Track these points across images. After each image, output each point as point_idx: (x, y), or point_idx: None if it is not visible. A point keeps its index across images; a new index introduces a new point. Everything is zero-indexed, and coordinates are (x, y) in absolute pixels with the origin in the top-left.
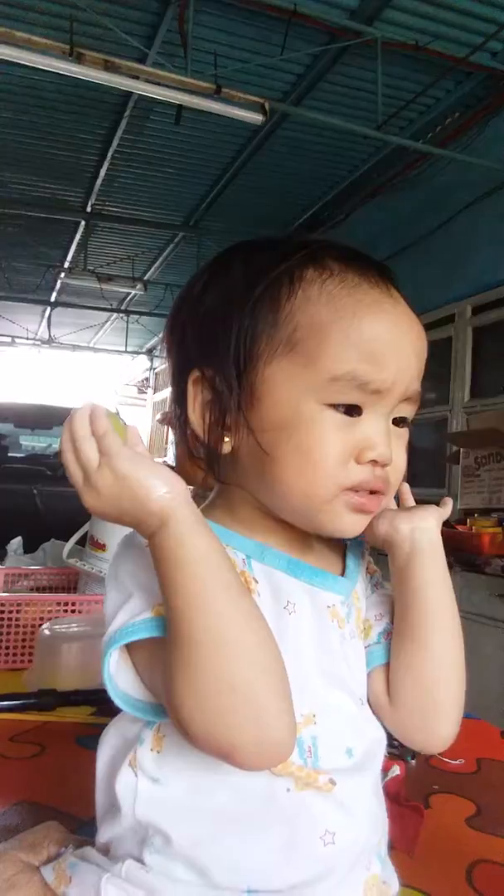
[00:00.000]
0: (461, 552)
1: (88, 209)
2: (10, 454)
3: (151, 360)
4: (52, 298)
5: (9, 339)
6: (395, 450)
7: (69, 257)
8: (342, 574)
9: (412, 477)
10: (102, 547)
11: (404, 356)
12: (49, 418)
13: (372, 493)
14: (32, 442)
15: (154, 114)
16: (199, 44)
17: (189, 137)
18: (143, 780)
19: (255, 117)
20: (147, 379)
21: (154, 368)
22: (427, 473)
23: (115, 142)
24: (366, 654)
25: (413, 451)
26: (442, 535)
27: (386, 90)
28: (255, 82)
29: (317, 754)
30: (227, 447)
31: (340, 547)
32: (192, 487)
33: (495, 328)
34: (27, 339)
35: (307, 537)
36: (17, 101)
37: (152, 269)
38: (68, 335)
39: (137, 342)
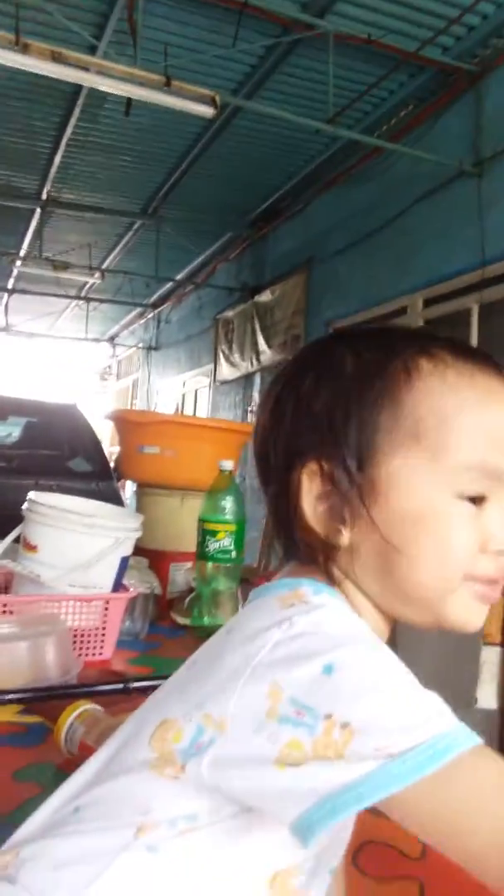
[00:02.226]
0: None
1: (44, 196)
2: None
3: (113, 348)
4: (9, 286)
5: None
6: None
7: (25, 245)
8: None
9: None
10: (34, 549)
11: None
12: (6, 408)
13: (493, 583)
14: None
15: (108, 102)
16: (150, 34)
17: (144, 126)
18: (138, 846)
19: (206, 110)
20: (109, 367)
21: (116, 356)
22: None
23: (70, 129)
24: None
25: None
26: None
27: (339, 83)
28: (207, 73)
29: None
30: (344, 540)
31: None
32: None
33: (445, 321)
34: None
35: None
36: None
37: (111, 257)
38: (26, 322)
39: (98, 330)
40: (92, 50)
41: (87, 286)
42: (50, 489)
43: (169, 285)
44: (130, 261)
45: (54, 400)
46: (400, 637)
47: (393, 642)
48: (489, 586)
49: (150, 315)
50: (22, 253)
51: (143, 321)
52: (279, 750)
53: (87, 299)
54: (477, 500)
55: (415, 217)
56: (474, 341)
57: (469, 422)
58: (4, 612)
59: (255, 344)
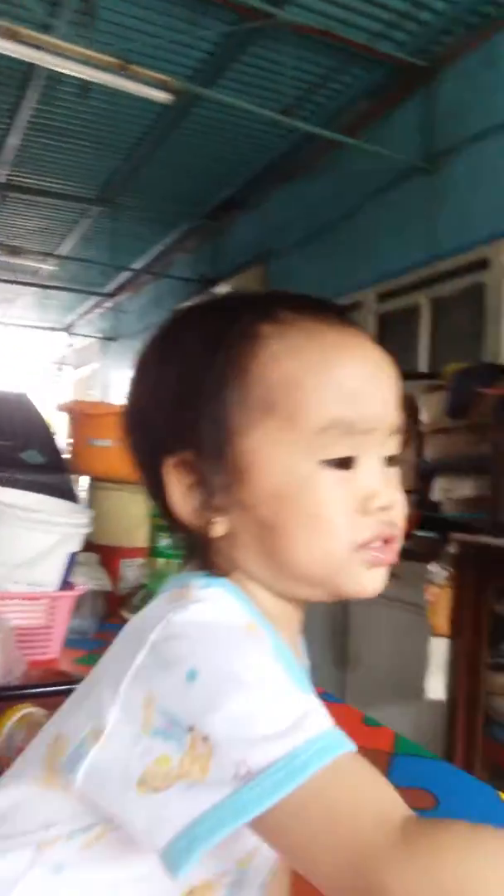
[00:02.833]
0: None
1: None
2: None
3: (70, 337)
4: None
5: None
6: (394, 490)
7: None
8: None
9: None
10: None
11: (382, 389)
12: None
13: (385, 542)
14: None
15: (64, 84)
16: (107, 15)
17: (102, 110)
18: (41, 867)
19: (162, 96)
20: (65, 357)
21: (72, 346)
22: None
23: (24, 111)
24: None
25: None
26: None
27: (295, 74)
28: (166, 58)
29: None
30: (219, 529)
31: None
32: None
33: (397, 316)
34: None
35: (298, 620)
36: None
37: (65, 244)
38: None
39: (54, 318)
40: (47, 29)
41: (42, 273)
42: (2, 482)
43: (126, 275)
44: (87, 248)
45: (4, 388)
46: (351, 628)
47: (344, 633)
48: (380, 549)
49: (108, 304)
50: None
51: (100, 311)
52: (145, 768)
53: (43, 286)
54: (346, 463)
55: (369, 212)
56: (426, 336)
57: (316, 381)
58: None
59: None
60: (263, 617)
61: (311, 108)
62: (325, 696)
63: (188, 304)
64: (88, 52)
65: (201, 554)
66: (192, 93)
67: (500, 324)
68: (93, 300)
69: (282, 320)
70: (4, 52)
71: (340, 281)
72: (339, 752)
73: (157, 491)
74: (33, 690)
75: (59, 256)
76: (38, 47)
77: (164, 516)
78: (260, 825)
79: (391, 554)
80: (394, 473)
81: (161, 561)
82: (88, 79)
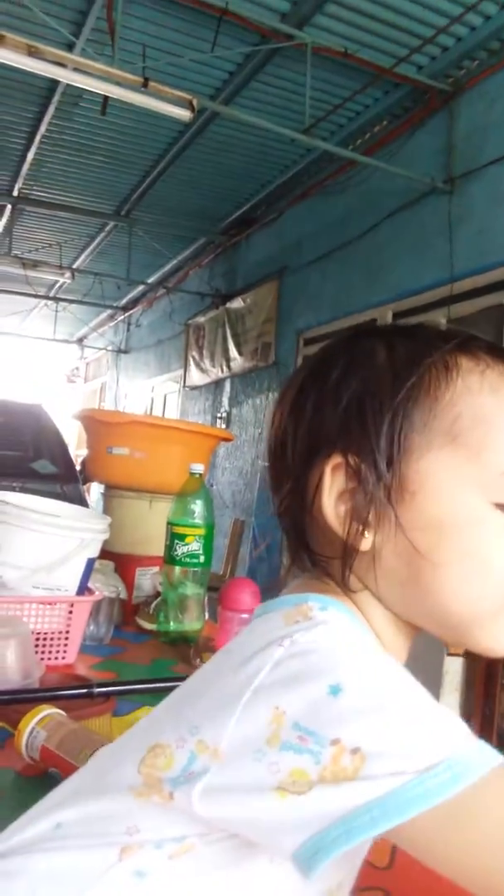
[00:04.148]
0: None
1: (15, 193)
2: None
3: (82, 350)
4: None
5: None
6: None
7: None
8: None
9: None
10: None
11: None
12: None
13: None
14: None
15: (83, 100)
16: (128, 34)
17: (120, 126)
18: (123, 870)
19: (183, 113)
20: (77, 369)
21: (84, 358)
22: None
23: (44, 126)
24: None
25: None
26: None
27: (315, 94)
28: (186, 77)
29: None
30: (366, 543)
31: None
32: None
33: None
34: None
35: (405, 653)
36: None
37: (81, 258)
38: None
39: (67, 331)
40: (69, 47)
41: (57, 286)
42: (13, 490)
43: (140, 288)
44: (101, 262)
45: (19, 399)
46: None
47: None
48: None
49: (121, 318)
50: None
51: (113, 324)
52: (280, 780)
53: (57, 299)
54: None
55: (387, 231)
56: None
57: None
58: None
59: (225, 350)
60: (380, 645)
61: (331, 127)
62: None
63: (369, 325)
64: (110, 69)
65: (335, 566)
66: (212, 110)
67: None
68: (106, 313)
69: (480, 358)
70: (26, 69)
71: (355, 298)
72: (499, 761)
73: (299, 491)
74: (53, 693)
75: (74, 270)
76: (60, 64)
77: (296, 524)
78: (414, 830)
79: None
80: None
81: (177, 570)
82: (110, 95)
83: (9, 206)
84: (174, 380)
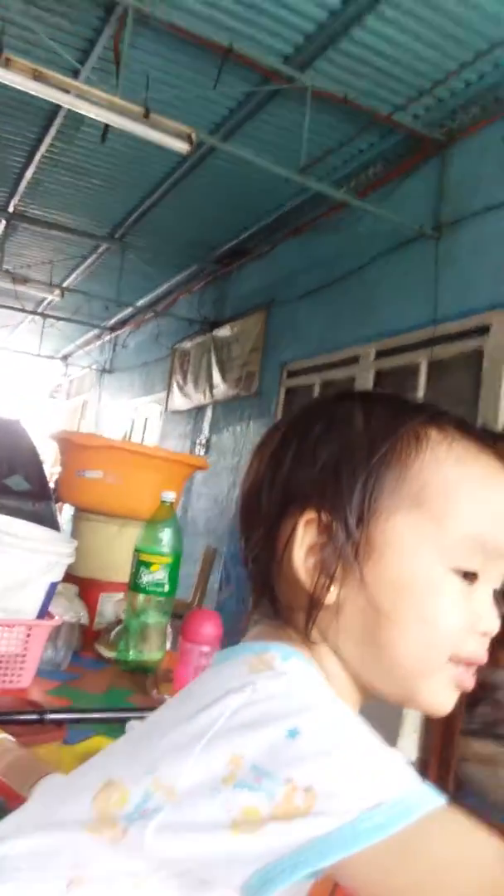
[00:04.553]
0: None
1: (10, 209)
2: None
3: (66, 367)
4: None
5: None
6: (496, 620)
7: None
8: None
9: None
10: None
11: None
12: None
13: (470, 667)
14: None
15: (85, 125)
16: (133, 65)
17: (120, 152)
18: None
19: (182, 146)
20: (60, 385)
21: (68, 375)
22: None
23: (44, 146)
24: None
25: None
26: None
27: (313, 136)
28: (187, 110)
29: None
30: (330, 597)
31: None
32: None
33: (395, 373)
34: None
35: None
36: None
37: (72, 276)
38: None
39: (52, 347)
40: (75, 73)
41: (46, 303)
42: None
43: (129, 310)
44: (92, 282)
45: None
46: None
47: None
48: (467, 671)
49: (107, 338)
50: None
51: (99, 343)
52: (233, 817)
53: (45, 315)
54: (469, 577)
55: (374, 271)
56: (422, 396)
57: (472, 495)
58: None
59: (209, 377)
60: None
61: (325, 168)
62: None
63: (351, 390)
64: (112, 98)
65: (299, 617)
66: (210, 144)
67: (496, 389)
68: (92, 332)
69: (448, 432)
70: (31, 92)
71: (340, 334)
72: (441, 802)
73: (269, 542)
74: (3, 717)
75: (64, 288)
76: (64, 90)
77: (263, 572)
78: (356, 865)
79: (471, 681)
80: (497, 604)
81: (141, 597)
82: (111, 124)
83: (3, 222)
84: (157, 402)
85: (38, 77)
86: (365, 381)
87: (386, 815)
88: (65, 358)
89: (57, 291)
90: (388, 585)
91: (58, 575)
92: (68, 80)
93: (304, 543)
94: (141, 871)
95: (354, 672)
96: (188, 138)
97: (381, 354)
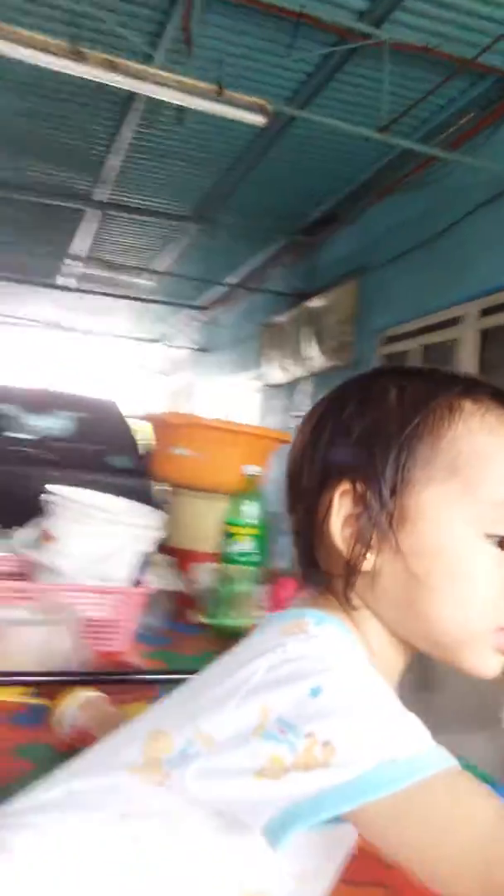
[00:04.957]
0: None
1: (100, 198)
2: (14, 435)
3: (165, 348)
4: (68, 284)
5: (25, 323)
6: None
7: (81, 245)
8: None
9: None
10: (52, 539)
11: None
12: (50, 401)
13: None
14: (39, 423)
15: (164, 108)
16: (205, 42)
17: (199, 131)
18: (122, 832)
19: (257, 119)
20: (160, 367)
21: (167, 357)
22: None
23: (125, 133)
24: None
25: None
26: None
27: (397, 91)
28: (262, 81)
29: None
30: (367, 564)
31: None
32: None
33: (502, 332)
34: (39, 322)
35: (401, 670)
36: (26, 90)
37: (163, 259)
38: (80, 320)
39: (151, 330)
40: (148, 57)
41: (140, 287)
42: (89, 484)
43: (221, 289)
44: (183, 264)
45: (94, 396)
46: (426, 659)
47: (421, 664)
48: None
49: (203, 318)
50: (79, 253)
51: (195, 323)
52: (260, 764)
53: (140, 300)
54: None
55: (470, 226)
56: None
57: None
58: (23, 598)
59: (304, 350)
60: (369, 659)
61: (414, 122)
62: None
63: (387, 366)
64: (185, 79)
65: (338, 583)
66: (286, 114)
67: None
68: (188, 313)
69: (482, 402)
70: (106, 82)
71: (436, 296)
72: (452, 763)
73: (310, 513)
74: (94, 677)
75: (155, 272)
76: (137, 76)
77: (305, 543)
78: (370, 814)
79: None
80: None
81: (231, 567)
82: (184, 104)
83: (95, 212)
84: (254, 378)
85: (111, 67)
86: (468, 342)
87: (399, 770)
88: (163, 339)
89: (150, 276)
90: (423, 553)
91: (147, 545)
92: (140, 66)
93: (340, 513)
94: (182, 809)
95: (396, 633)
96: (263, 110)
97: (486, 312)
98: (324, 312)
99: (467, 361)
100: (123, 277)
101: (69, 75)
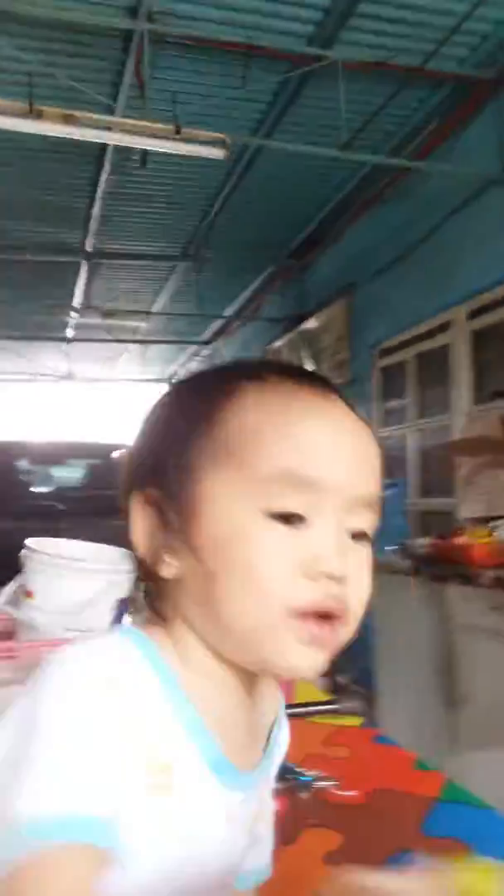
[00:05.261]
0: (454, 564)
1: (89, 248)
2: (34, 490)
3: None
4: (67, 335)
5: (30, 377)
6: (354, 568)
7: (76, 296)
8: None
9: (426, 487)
10: (31, 595)
11: (346, 457)
12: (61, 453)
13: (325, 619)
14: (60, 473)
15: (133, 154)
16: (162, 85)
17: (172, 172)
18: None
19: (218, 153)
20: None
21: None
22: (437, 483)
23: (102, 184)
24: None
25: (423, 460)
26: (436, 547)
27: (355, 108)
28: (223, 116)
29: None
30: (169, 570)
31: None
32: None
33: (493, 331)
34: (46, 375)
35: (251, 695)
36: (3, 154)
37: (159, 300)
38: (88, 368)
39: (156, 370)
40: (108, 108)
41: (141, 329)
42: (108, 529)
43: (219, 322)
44: (178, 302)
45: (108, 442)
46: (459, 665)
47: (450, 671)
48: (317, 625)
49: (206, 352)
50: (74, 304)
51: (199, 358)
52: None
53: (141, 342)
54: (293, 519)
55: (450, 231)
56: None
57: (276, 432)
58: (6, 657)
59: None
60: (175, 679)
61: (379, 136)
62: (379, 739)
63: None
64: (141, 123)
65: (151, 596)
66: (251, 145)
67: None
68: (191, 349)
69: (263, 379)
70: (64, 136)
71: (427, 303)
72: (66, 838)
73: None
74: None
75: (152, 314)
76: (95, 126)
77: (133, 557)
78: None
79: (332, 636)
80: (361, 551)
81: None
82: (144, 147)
83: (84, 262)
84: None
85: (69, 121)
86: (460, 346)
87: (19, 835)
88: (169, 378)
89: (145, 317)
90: (212, 546)
91: (124, 591)
92: (96, 116)
93: (143, 524)
94: None
95: (209, 643)
96: (223, 144)
97: (474, 314)
98: (319, 333)
99: (461, 365)
100: (125, 322)
101: (43, 136)
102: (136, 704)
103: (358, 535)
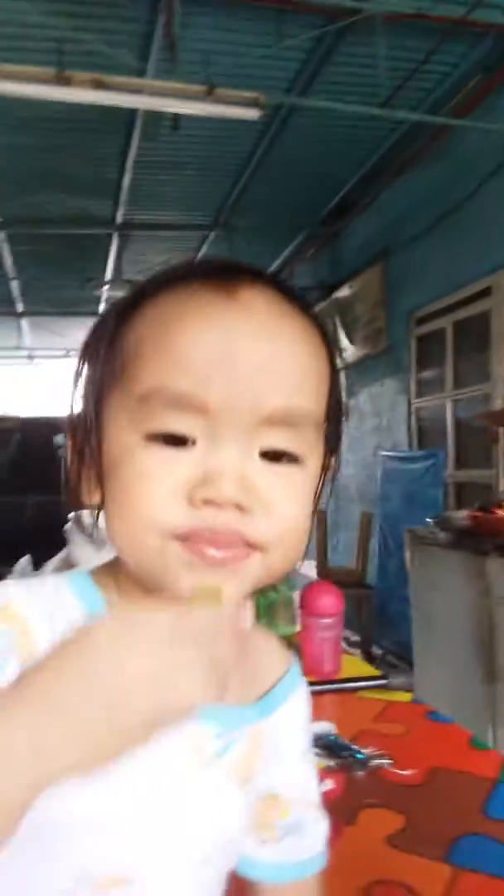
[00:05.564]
0: (495, 536)
1: (119, 220)
2: None
3: None
4: (99, 310)
5: (64, 353)
6: (271, 490)
7: (108, 269)
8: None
9: (463, 458)
10: (76, 567)
11: (243, 367)
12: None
13: (226, 544)
14: None
15: (164, 119)
16: (193, 45)
17: (202, 137)
18: None
19: (251, 113)
20: None
21: None
22: (476, 454)
23: (133, 151)
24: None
25: (461, 431)
26: (476, 519)
27: (395, 64)
28: (257, 75)
29: None
30: (92, 498)
31: (279, 665)
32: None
33: None
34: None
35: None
36: (33, 126)
37: None
38: None
39: None
40: (140, 71)
41: None
42: None
43: None
44: None
45: None
46: (499, 639)
47: (491, 644)
48: (202, 547)
49: None
50: (106, 278)
51: None
52: None
53: None
54: (178, 441)
55: (491, 192)
56: None
57: (154, 347)
58: None
59: (337, 342)
60: (102, 606)
61: (419, 94)
62: (432, 716)
63: None
64: (172, 84)
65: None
66: (285, 105)
67: None
68: None
69: (176, 283)
70: (94, 102)
71: (466, 268)
72: None
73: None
74: None
75: None
76: (125, 90)
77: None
78: None
79: (237, 562)
80: (284, 473)
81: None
82: (174, 110)
83: (115, 234)
84: None
85: (98, 85)
86: (502, 312)
87: None
88: None
89: None
90: (108, 470)
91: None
92: (125, 80)
93: (69, 453)
94: None
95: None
96: (257, 103)
97: None
98: (353, 301)
99: (502, 332)
100: None
101: (71, 104)
102: (22, 628)
103: (277, 456)
